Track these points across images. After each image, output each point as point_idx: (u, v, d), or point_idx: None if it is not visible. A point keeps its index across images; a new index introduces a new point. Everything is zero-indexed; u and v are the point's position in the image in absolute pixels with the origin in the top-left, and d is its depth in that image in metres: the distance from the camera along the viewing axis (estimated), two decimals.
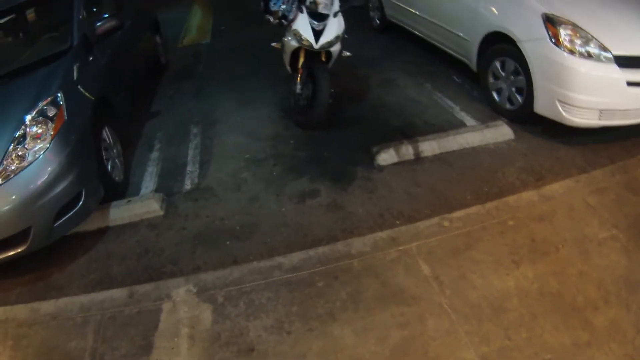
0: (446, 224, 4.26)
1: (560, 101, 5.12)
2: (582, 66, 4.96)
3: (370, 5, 9.87)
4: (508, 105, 5.90)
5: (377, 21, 9.74)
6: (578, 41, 5.03)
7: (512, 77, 5.72)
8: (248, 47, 9.48)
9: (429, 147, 5.43)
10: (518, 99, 5.69)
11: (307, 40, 5.48)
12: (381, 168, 5.26)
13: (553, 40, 5.12)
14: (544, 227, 4.16)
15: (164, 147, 6.16)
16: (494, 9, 5.91)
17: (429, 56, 8.01)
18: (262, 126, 6.42)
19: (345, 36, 5.81)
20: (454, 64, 7.25)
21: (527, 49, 5.37)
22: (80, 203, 4.40)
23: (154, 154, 6.02)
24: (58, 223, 4.27)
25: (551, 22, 5.18)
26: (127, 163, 5.66)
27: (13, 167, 4.07)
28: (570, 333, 3.24)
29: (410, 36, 8.47)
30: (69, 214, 4.34)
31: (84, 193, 4.42)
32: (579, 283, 3.60)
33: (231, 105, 7.12)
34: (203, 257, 4.34)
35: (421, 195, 4.83)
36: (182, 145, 6.13)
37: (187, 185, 5.34)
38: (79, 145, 4.44)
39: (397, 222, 4.46)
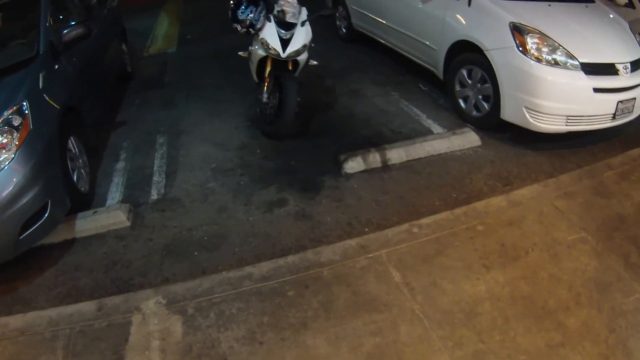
0: (415, 230, 4.28)
1: (527, 108, 5.21)
2: (549, 74, 5.06)
3: (338, 14, 9.91)
4: (475, 113, 5.97)
5: (344, 30, 9.79)
6: (545, 49, 5.13)
7: (479, 84, 5.80)
8: (215, 56, 9.45)
9: (397, 154, 5.46)
10: (485, 107, 5.76)
11: (275, 49, 5.47)
12: (348, 176, 5.28)
13: (520, 48, 5.22)
14: (514, 232, 4.22)
15: (130, 157, 6.08)
16: (461, 19, 5.98)
17: (397, 66, 8.08)
18: (229, 136, 6.39)
19: (312, 45, 5.81)
20: (422, 73, 7.34)
21: (494, 57, 5.44)
22: (47, 215, 4.30)
23: (120, 164, 5.94)
24: (24, 235, 4.16)
25: (518, 30, 5.27)
26: (93, 173, 5.57)
27: None
28: (543, 335, 3.28)
29: (377, 46, 8.54)
30: (35, 226, 4.23)
31: (50, 204, 4.32)
32: (550, 286, 3.66)
33: (198, 115, 7.07)
34: (171, 269, 4.29)
35: (389, 202, 4.85)
36: (149, 156, 6.06)
37: (154, 195, 5.28)
38: (44, 156, 4.35)
39: (366, 230, 4.49)
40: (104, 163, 6.02)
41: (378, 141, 5.83)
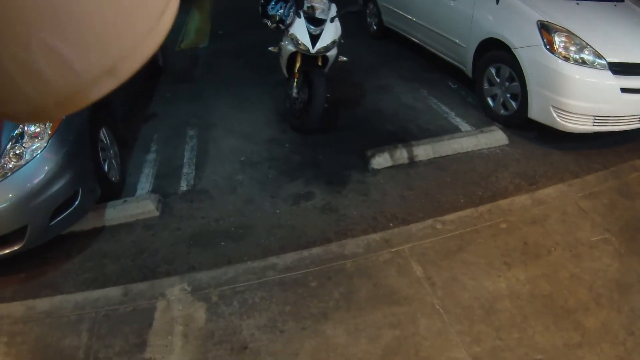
0: (439, 226, 4.31)
1: (554, 107, 5.19)
2: (577, 73, 5.03)
3: (368, 11, 9.91)
4: (502, 111, 5.97)
5: (374, 27, 9.79)
6: (572, 48, 5.10)
7: (507, 83, 5.80)
8: (246, 52, 9.51)
9: (424, 151, 5.48)
10: (512, 105, 5.76)
11: (304, 44, 5.51)
12: (375, 172, 5.31)
13: (548, 47, 5.20)
14: (537, 231, 4.23)
15: (160, 149, 6.17)
16: (489, 16, 5.98)
17: (425, 63, 8.09)
18: (258, 130, 6.45)
19: (342, 41, 5.85)
20: (450, 71, 7.33)
21: (521, 55, 5.43)
22: (77, 202, 4.40)
23: (151, 156, 6.03)
24: (54, 222, 4.26)
25: (546, 29, 5.25)
26: (123, 164, 5.66)
27: (10, 165, 4.06)
28: (561, 334, 3.29)
29: (407, 43, 8.55)
30: (65, 213, 4.33)
31: (80, 192, 4.42)
32: (571, 285, 3.66)
33: (228, 109, 7.14)
34: (197, 258, 4.36)
35: (414, 198, 4.88)
36: (179, 148, 6.14)
37: (183, 186, 5.36)
38: (76, 145, 4.45)
39: (391, 225, 4.52)
40: (135, 154, 6.12)
41: (405, 137, 5.85)
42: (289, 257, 4.09)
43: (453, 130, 6.01)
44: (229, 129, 6.53)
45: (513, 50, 5.56)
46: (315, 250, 4.14)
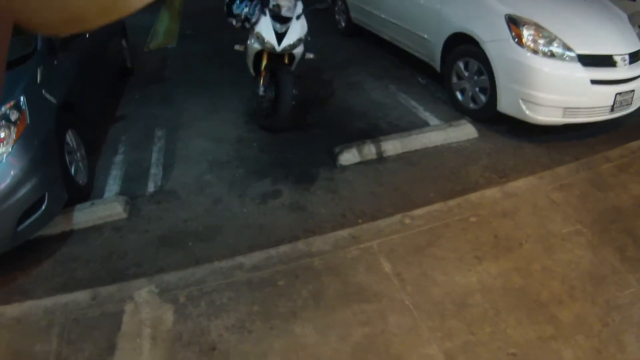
0: (407, 221, 4.29)
1: (524, 100, 5.21)
2: (546, 65, 5.06)
3: (336, 8, 9.90)
4: (472, 105, 5.97)
5: (343, 24, 9.79)
6: (541, 41, 5.12)
7: (476, 77, 5.81)
8: (215, 52, 9.46)
9: (392, 146, 5.48)
10: (481, 99, 5.77)
11: (270, 42, 5.49)
12: (343, 168, 5.30)
13: (516, 40, 5.21)
14: (507, 224, 4.22)
15: (128, 151, 6.11)
16: (457, 11, 6.00)
17: (396, 60, 8.09)
18: (226, 130, 6.41)
19: (309, 39, 5.82)
20: (420, 67, 7.32)
21: (490, 49, 5.44)
22: (44, 207, 4.35)
23: (119, 157, 5.96)
24: (21, 227, 4.22)
25: (514, 22, 5.26)
26: (91, 167, 5.59)
27: None
28: (535, 327, 3.28)
29: (377, 40, 8.55)
30: (32, 218, 4.29)
31: (47, 197, 4.37)
32: (543, 278, 3.65)
33: (197, 110, 7.09)
34: (166, 259, 4.32)
35: (384, 194, 4.88)
36: (147, 149, 6.08)
37: (151, 188, 5.31)
38: (41, 150, 4.40)
39: (360, 221, 4.50)
40: (103, 156, 6.05)
41: (374, 133, 5.85)
42: (257, 257, 4.04)
43: (422, 125, 6.00)
44: (198, 130, 6.49)
45: (481, 44, 5.56)
46: (283, 249, 4.10)
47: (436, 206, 4.46)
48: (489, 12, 5.59)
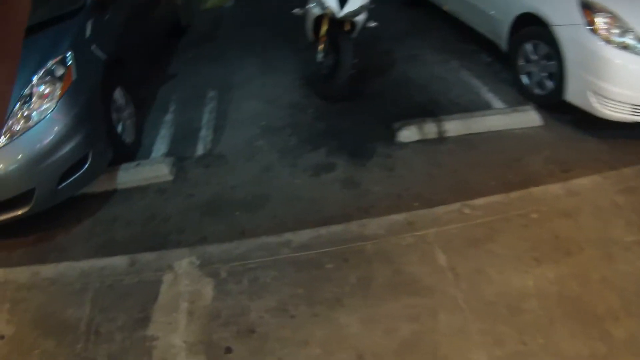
0: (467, 211, 4.04)
1: (592, 91, 4.87)
2: (618, 57, 4.71)
3: None
4: (537, 90, 5.64)
5: None
6: (615, 31, 4.76)
7: (544, 61, 5.45)
8: (272, 13, 9.20)
9: (454, 126, 5.21)
10: (548, 85, 5.43)
11: (331, 8, 5.27)
12: (402, 145, 5.05)
13: (589, 27, 4.85)
14: (569, 224, 3.92)
15: (178, 110, 5.99)
16: None
17: (458, 34, 7.65)
18: (281, 94, 6.21)
19: (372, 6, 5.56)
20: (484, 44, 6.95)
21: (560, 34, 5.09)
22: (87, 165, 4.28)
23: (168, 117, 5.84)
24: (62, 185, 4.15)
25: (588, 8, 4.91)
26: (139, 125, 5.49)
27: (18, 127, 3.97)
28: (588, 343, 3.01)
29: (439, 11, 8.14)
30: (75, 176, 4.22)
31: (90, 155, 4.29)
32: (601, 289, 3.36)
33: (250, 71, 6.89)
34: (210, 227, 4.20)
35: (442, 177, 4.63)
36: (197, 110, 5.95)
37: (200, 150, 5.17)
38: (87, 107, 4.31)
39: (415, 205, 4.26)
40: (152, 115, 5.95)
41: (434, 110, 5.58)
42: (305, 235, 3.86)
43: (484, 106, 5.70)
44: (251, 92, 6.31)
45: (551, 27, 5.23)
46: (334, 229, 3.90)
47: (497, 197, 4.19)
48: None
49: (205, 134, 5.44)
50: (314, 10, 5.58)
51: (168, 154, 5.14)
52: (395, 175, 4.67)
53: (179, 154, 5.10)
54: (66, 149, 4.06)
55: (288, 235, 3.87)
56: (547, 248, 3.67)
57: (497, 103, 5.76)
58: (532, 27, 5.59)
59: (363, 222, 3.97)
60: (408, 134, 5.11)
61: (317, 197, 4.45)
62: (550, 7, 5.27)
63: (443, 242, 3.74)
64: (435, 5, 8.21)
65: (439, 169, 4.72)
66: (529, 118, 5.40)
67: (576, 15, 4.95)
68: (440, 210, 4.07)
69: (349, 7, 5.28)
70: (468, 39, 7.32)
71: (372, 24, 5.93)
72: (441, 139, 5.13)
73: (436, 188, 4.48)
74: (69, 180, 4.18)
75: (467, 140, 5.12)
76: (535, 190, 4.29)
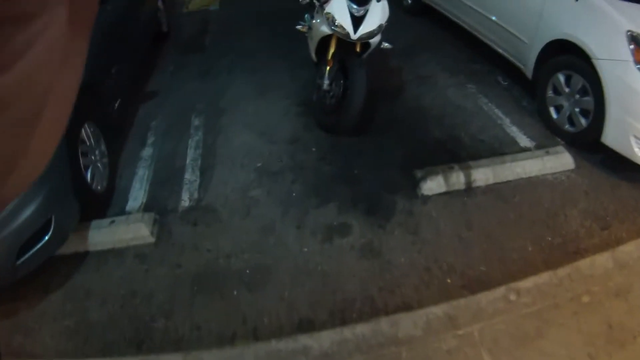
0: (513, 297, 3.43)
1: (636, 137, 4.24)
2: None
3: None
4: (567, 126, 5.02)
5: (409, 1, 8.56)
6: None
7: (578, 95, 4.84)
8: (264, 17, 8.45)
9: (483, 175, 4.58)
10: (581, 122, 4.83)
11: (343, 27, 4.55)
12: (425, 199, 4.38)
13: (638, 65, 4.20)
14: (620, 307, 3.43)
15: (158, 142, 5.25)
16: (564, 14, 4.96)
17: (468, 50, 6.98)
18: (277, 123, 5.49)
19: (387, 24, 4.87)
20: (498, 62, 6.28)
21: (603, 69, 4.46)
22: (50, 233, 3.52)
23: (147, 151, 5.10)
24: (22, 260, 3.40)
25: (638, 43, 4.25)
26: (114, 161, 4.74)
27: None
28: None
29: (444, 21, 7.47)
30: (36, 248, 3.46)
31: (54, 220, 3.53)
32: None
33: (241, 91, 6.17)
34: (204, 312, 3.50)
35: (474, 241, 3.99)
36: (181, 142, 5.22)
37: (185, 200, 4.45)
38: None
39: (448, 281, 3.65)
40: (128, 147, 5.22)
41: (456, 149, 4.94)
42: (326, 338, 3.15)
43: (510, 143, 5.07)
44: (242, 120, 5.59)
45: (592, 60, 4.57)
46: (360, 329, 3.19)
47: (544, 277, 3.58)
48: (606, 23, 4.57)
49: (191, 178, 4.70)
50: (321, 28, 4.86)
51: (147, 202, 4.40)
52: (420, 240, 3.99)
53: (160, 206, 4.37)
54: (23, 216, 3.30)
55: (304, 340, 3.16)
56: (600, 341, 3.25)
57: (523, 139, 5.15)
58: (566, 55, 4.98)
59: (395, 318, 3.29)
60: (433, 185, 4.43)
61: (330, 271, 3.76)
62: (592, 37, 4.65)
63: (489, 341, 3.16)
64: (439, 15, 7.59)
65: (469, 232, 4.08)
66: (562, 162, 4.84)
67: (623, 50, 4.35)
68: (483, 298, 3.45)
69: (365, 28, 4.60)
70: (480, 57, 6.68)
71: (387, 46, 5.28)
72: (469, 189, 4.50)
73: (469, 258, 3.85)
74: (30, 253, 3.43)
75: (497, 191, 4.51)
76: (583, 264, 3.77)
